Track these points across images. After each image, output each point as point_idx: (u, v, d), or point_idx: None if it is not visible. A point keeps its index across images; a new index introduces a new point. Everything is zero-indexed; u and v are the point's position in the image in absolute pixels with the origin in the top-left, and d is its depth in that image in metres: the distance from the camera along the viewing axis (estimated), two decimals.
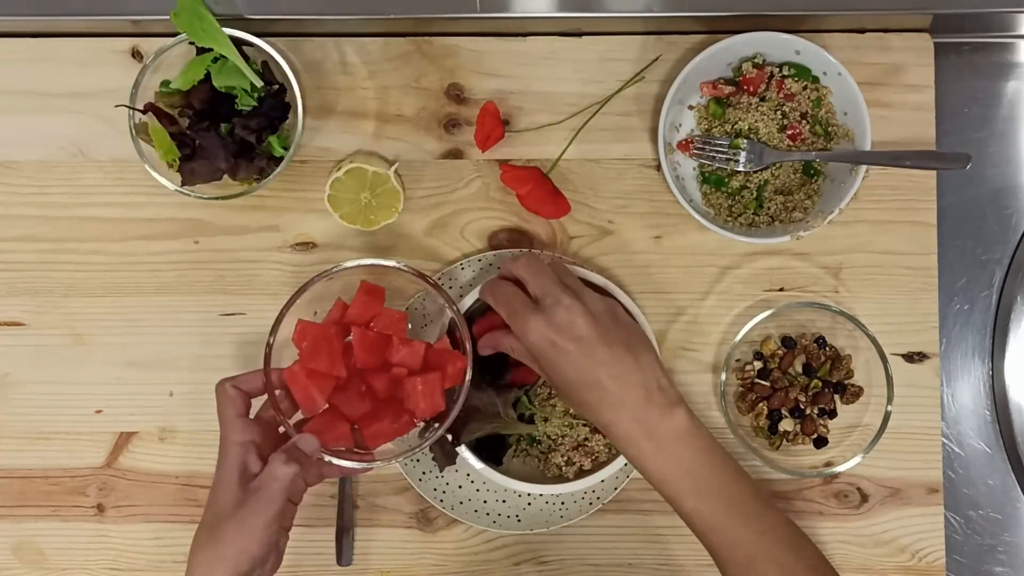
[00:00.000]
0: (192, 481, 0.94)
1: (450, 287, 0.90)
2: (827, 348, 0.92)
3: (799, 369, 0.93)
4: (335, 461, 0.80)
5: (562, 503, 0.91)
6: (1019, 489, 0.95)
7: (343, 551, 0.93)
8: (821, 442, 0.92)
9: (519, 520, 0.91)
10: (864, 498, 0.93)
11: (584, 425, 0.89)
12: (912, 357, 0.93)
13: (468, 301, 0.87)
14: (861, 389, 0.92)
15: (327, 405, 0.81)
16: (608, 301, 0.82)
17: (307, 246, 0.94)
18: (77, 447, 0.94)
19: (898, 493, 0.93)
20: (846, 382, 0.92)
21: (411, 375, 0.82)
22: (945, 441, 0.95)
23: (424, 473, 0.91)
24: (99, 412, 0.94)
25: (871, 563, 0.93)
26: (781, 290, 0.94)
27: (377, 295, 0.84)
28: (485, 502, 0.91)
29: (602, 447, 0.89)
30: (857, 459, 0.89)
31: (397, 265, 0.83)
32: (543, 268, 0.81)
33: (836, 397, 0.92)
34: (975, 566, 0.95)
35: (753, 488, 0.79)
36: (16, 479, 0.94)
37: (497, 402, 0.87)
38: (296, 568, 0.94)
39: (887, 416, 0.89)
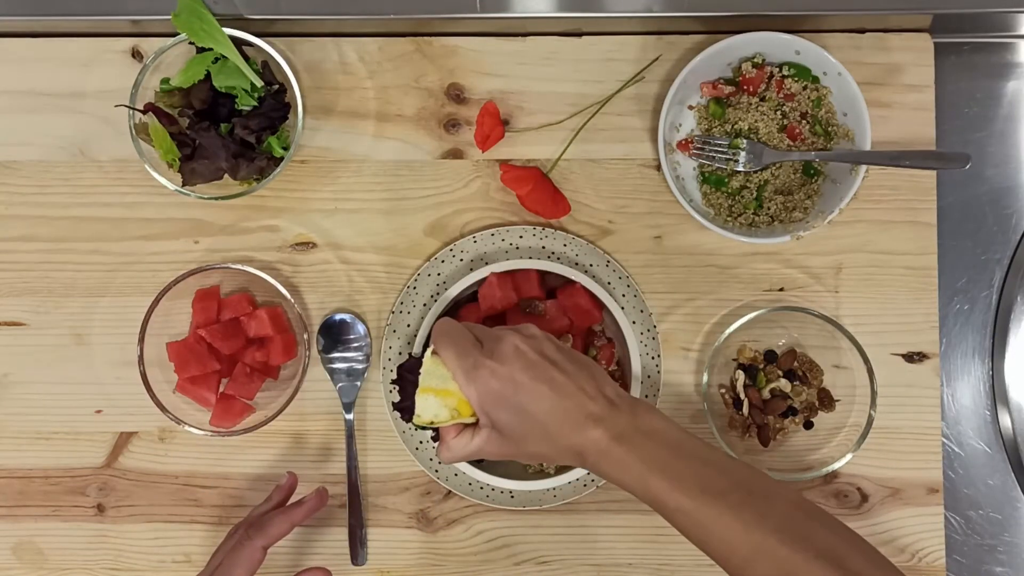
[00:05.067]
0: (192, 481, 0.94)
1: (438, 274, 0.90)
2: (797, 362, 0.92)
3: (782, 386, 0.92)
4: None
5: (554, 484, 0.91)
6: (1019, 489, 0.95)
7: (357, 551, 0.93)
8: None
9: (512, 497, 0.91)
10: (864, 498, 0.93)
11: None
12: (912, 357, 0.93)
13: (453, 293, 0.89)
14: (832, 399, 0.92)
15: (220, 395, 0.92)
16: (540, 331, 0.77)
17: (307, 246, 0.94)
18: (77, 447, 0.94)
19: (898, 493, 0.93)
20: (822, 387, 0.92)
21: (269, 338, 0.92)
22: (945, 441, 0.95)
23: (421, 443, 0.92)
24: (99, 412, 0.94)
25: None
26: (781, 290, 0.94)
27: (212, 295, 0.92)
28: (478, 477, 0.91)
29: None
30: (846, 459, 0.90)
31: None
32: (478, 326, 0.79)
33: (806, 414, 0.93)
34: (975, 566, 0.95)
35: (742, 474, 0.72)
36: (16, 479, 0.94)
37: None
38: (297, 569, 0.94)
39: (870, 420, 0.89)
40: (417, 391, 0.75)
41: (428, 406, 0.75)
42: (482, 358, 0.74)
